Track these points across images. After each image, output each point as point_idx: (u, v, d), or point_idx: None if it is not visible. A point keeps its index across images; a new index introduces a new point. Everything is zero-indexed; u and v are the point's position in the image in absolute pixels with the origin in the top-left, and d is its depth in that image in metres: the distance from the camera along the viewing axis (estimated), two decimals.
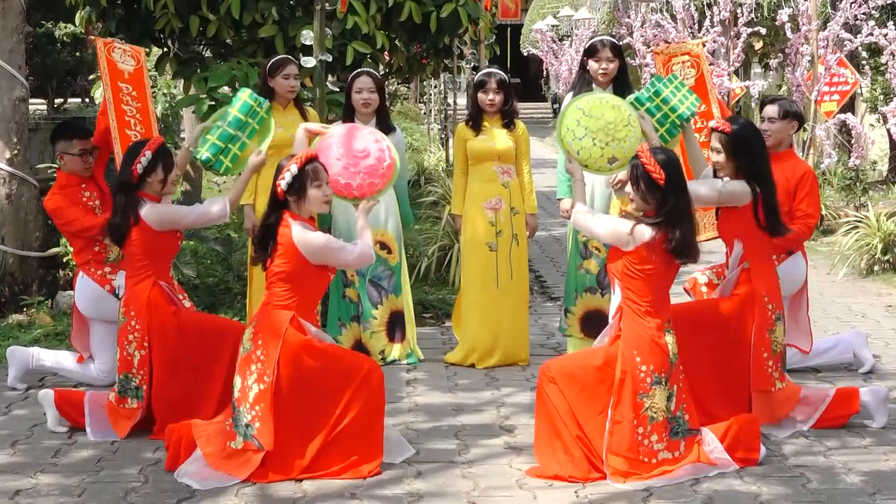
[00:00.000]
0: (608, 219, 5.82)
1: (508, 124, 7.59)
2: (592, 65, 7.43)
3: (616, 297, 5.50)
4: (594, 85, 7.42)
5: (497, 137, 7.54)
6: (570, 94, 7.57)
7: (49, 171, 11.32)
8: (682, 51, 7.69)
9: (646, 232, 5.30)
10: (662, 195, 5.33)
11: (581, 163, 6.16)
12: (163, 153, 6.03)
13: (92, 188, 7.11)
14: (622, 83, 7.47)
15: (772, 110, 6.97)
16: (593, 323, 7.43)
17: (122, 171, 6.05)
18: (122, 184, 6.00)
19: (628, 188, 5.52)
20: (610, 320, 5.56)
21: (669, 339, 5.37)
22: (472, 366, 7.56)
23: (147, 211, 5.91)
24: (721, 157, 6.03)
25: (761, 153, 6.04)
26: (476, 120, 7.61)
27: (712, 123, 6.24)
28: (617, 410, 5.30)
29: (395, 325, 7.69)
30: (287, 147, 7.62)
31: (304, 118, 7.72)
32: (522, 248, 7.68)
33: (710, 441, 5.39)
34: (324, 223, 7.66)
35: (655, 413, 5.29)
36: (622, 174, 7.08)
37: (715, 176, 6.13)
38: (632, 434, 5.26)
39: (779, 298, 6.03)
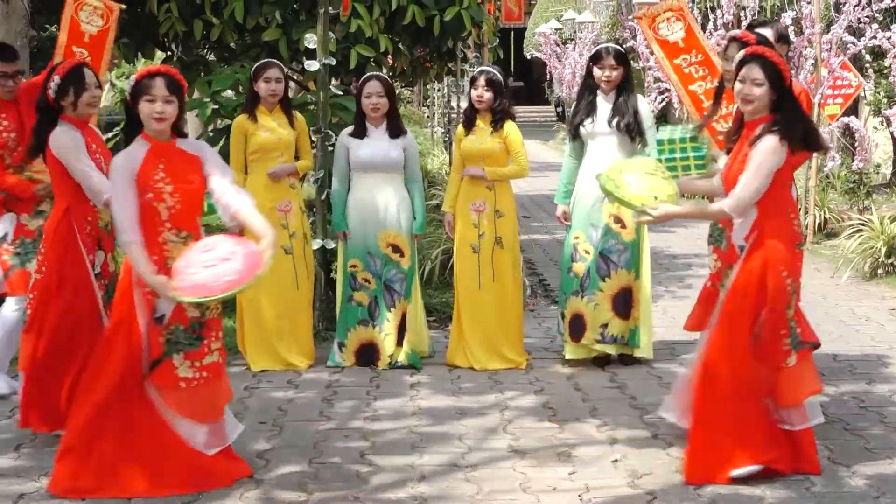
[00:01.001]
0: (754, 166, 5.23)
1: (497, 124, 7.59)
2: (597, 72, 7.50)
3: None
4: (599, 91, 7.45)
5: (483, 137, 7.56)
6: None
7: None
8: (664, 8, 7.54)
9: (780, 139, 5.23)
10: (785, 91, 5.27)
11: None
12: (73, 76, 5.98)
13: (11, 116, 6.94)
14: (626, 90, 7.50)
15: (768, 33, 6.57)
16: (578, 325, 7.49)
17: (40, 96, 6.06)
18: (39, 108, 6.04)
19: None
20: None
21: None
22: (471, 367, 7.59)
23: (54, 135, 5.91)
24: (762, 90, 5.51)
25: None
26: (470, 119, 7.65)
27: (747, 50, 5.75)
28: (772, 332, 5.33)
29: (402, 329, 7.70)
30: (274, 150, 7.65)
31: (291, 122, 7.74)
32: (507, 251, 7.68)
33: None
34: (339, 228, 7.69)
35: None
36: None
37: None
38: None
39: (794, 268, 5.62)
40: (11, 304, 6.71)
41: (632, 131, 7.42)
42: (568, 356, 7.65)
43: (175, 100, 5.31)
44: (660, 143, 6.33)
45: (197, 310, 5.25)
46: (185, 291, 4.98)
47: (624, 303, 7.50)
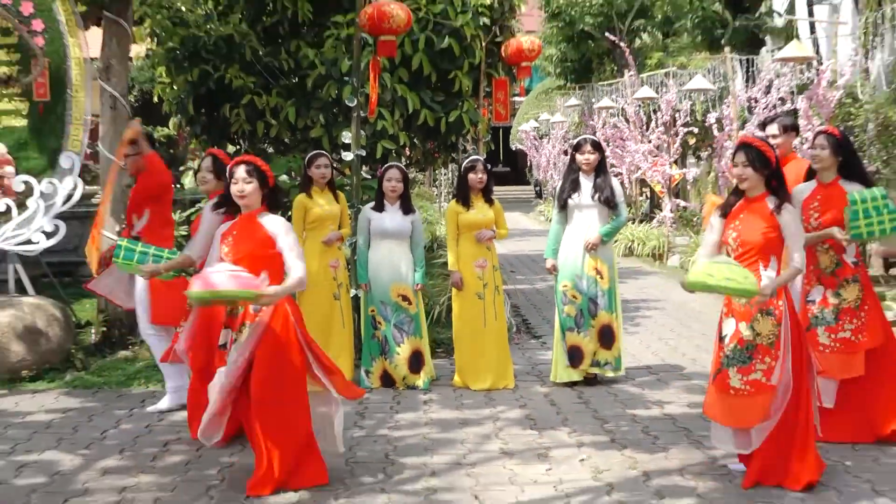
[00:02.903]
0: (795, 225, 5.14)
1: (488, 200, 7.66)
2: (579, 157, 7.57)
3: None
4: (580, 172, 7.52)
5: (483, 211, 7.62)
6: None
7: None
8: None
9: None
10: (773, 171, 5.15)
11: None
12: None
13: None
14: (602, 171, 7.59)
15: (773, 128, 6.66)
16: (573, 355, 7.49)
17: None
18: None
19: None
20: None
21: None
22: (467, 387, 7.57)
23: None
24: (826, 153, 5.80)
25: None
26: (466, 198, 7.66)
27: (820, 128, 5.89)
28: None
29: (415, 360, 7.66)
30: (327, 219, 7.70)
31: (336, 198, 7.81)
32: (501, 296, 7.75)
33: None
34: (362, 279, 7.71)
35: None
36: (593, 239, 7.21)
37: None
38: None
39: None
40: None
41: (610, 203, 7.47)
42: (563, 379, 7.56)
43: (255, 181, 5.28)
44: (853, 202, 5.63)
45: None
46: (195, 286, 4.97)
47: (606, 336, 7.54)
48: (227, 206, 5.39)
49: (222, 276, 4.94)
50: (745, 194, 5.20)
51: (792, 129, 6.74)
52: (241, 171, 5.28)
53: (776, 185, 5.15)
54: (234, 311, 5.24)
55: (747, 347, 5.07)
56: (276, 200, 5.42)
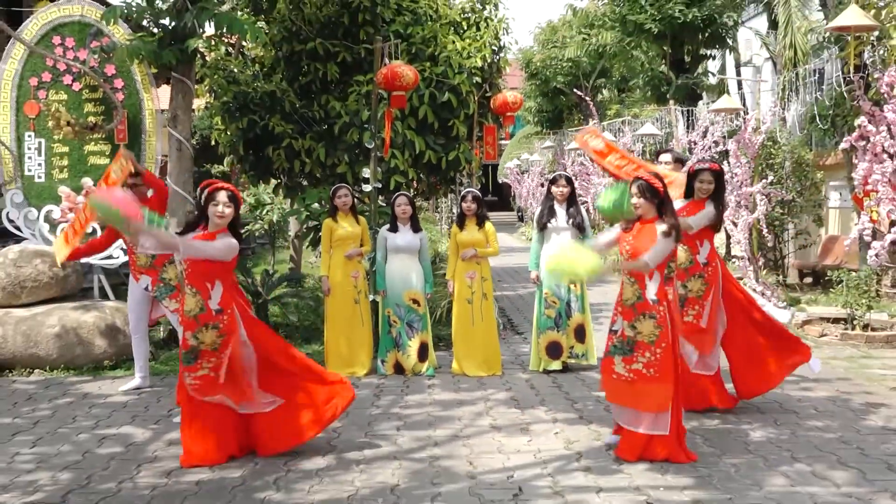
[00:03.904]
0: (663, 245, 5.02)
1: (480, 223, 7.62)
2: (554, 189, 7.57)
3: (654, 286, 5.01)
4: (555, 201, 7.49)
5: (473, 233, 7.59)
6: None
7: None
8: (586, 132, 6.67)
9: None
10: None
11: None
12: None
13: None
14: (574, 201, 7.61)
15: (667, 157, 6.68)
16: (553, 349, 7.49)
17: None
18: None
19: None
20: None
21: None
22: (464, 373, 7.54)
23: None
24: (711, 186, 5.89)
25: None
26: (462, 221, 7.65)
27: (705, 165, 5.93)
28: None
29: (423, 351, 7.65)
30: (348, 239, 7.66)
31: (357, 221, 7.77)
32: (489, 302, 7.64)
33: None
34: (380, 287, 7.68)
35: None
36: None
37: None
38: None
39: None
40: None
41: (581, 227, 7.47)
42: (543, 368, 7.53)
43: (233, 206, 5.09)
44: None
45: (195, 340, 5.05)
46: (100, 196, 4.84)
47: (580, 333, 7.54)
48: (194, 227, 5.21)
49: (118, 196, 4.77)
50: (641, 217, 5.15)
51: (679, 161, 6.72)
52: (223, 196, 5.10)
53: (665, 211, 5.11)
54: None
55: (628, 342, 5.03)
56: (237, 225, 5.21)
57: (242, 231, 14.01)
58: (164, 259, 6.67)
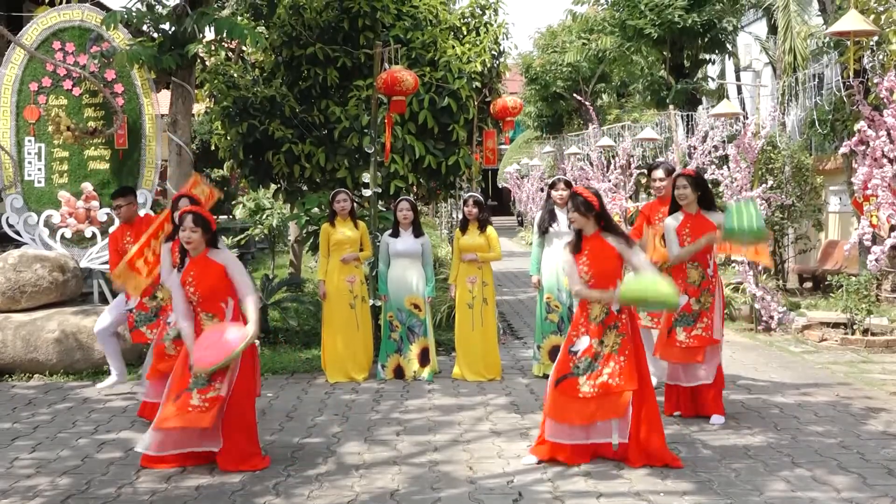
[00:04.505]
0: (631, 253, 5.06)
1: (482, 228, 7.61)
2: (554, 193, 7.50)
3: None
4: (556, 206, 7.46)
5: (475, 237, 7.58)
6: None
7: None
8: None
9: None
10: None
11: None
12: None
13: (132, 233, 6.83)
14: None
15: (659, 173, 6.64)
16: (556, 353, 7.43)
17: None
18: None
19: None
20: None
21: None
22: (464, 378, 7.53)
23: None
24: (687, 191, 5.88)
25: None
26: (464, 226, 7.64)
27: (679, 170, 5.96)
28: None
29: (423, 356, 7.64)
30: (345, 243, 7.66)
31: (356, 226, 7.76)
32: (490, 307, 7.63)
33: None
34: (382, 291, 7.68)
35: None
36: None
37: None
38: None
39: None
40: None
41: None
42: (544, 373, 7.41)
43: (199, 230, 5.08)
44: (729, 210, 5.68)
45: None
46: (196, 363, 4.90)
47: None
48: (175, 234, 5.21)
49: (224, 343, 4.86)
50: (583, 233, 5.14)
51: (671, 172, 6.67)
52: (188, 221, 5.09)
53: (604, 225, 5.09)
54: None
55: (595, 357, 5.00)
56: (215, 238, 5.21)
57: (242, 236, 13.98)
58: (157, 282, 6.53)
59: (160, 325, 6.26)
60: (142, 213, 7.79)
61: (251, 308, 5.04)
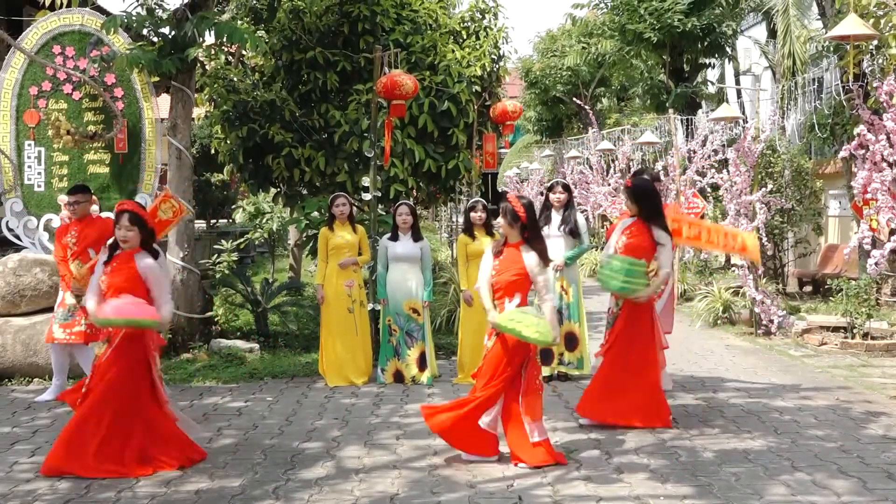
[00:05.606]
0: (539, 270, 5.18)
1: (489, 233, 7.60)
2: (551, 196, 7.53)
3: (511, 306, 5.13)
4: (552, 209, 7.46)
5: (484, 243, 7.57)
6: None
7: (206, 265, 11.38)
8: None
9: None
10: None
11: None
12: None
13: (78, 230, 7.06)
14: (570, 207, 7.55)
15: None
16: (544, 355, 7.44)
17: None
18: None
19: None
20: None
21: None
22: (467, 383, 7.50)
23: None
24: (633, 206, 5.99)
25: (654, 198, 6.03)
26: (470, 231, 7.64)
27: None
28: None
29: (422, 361, 7.63)
30: (343, 248, 7.66)
31: (354, 230, 7.77)
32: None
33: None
34: (381, 296, 7.67)
35: None
36: (558, 262, 7.14)
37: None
38: None
39: None
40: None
41: (573, 233, 7.44)
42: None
43: (136, 228, 5.20)
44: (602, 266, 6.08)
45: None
46: (102, 313, 5.06)
47: (570, 341, 7.49)
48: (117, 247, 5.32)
49: (131, 305, 5.02)
50: (507, 241, 5.24)
51: (657, 181, 6.77)
52: (124, 220, 5.21)
53: (529, 236, 5.16)
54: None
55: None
56: (149, 241, 5.27)
57: (242, 240, 13.99)
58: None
59: (73, 325, 6.83)
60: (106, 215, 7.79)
61: (163, 313, 5.20)
